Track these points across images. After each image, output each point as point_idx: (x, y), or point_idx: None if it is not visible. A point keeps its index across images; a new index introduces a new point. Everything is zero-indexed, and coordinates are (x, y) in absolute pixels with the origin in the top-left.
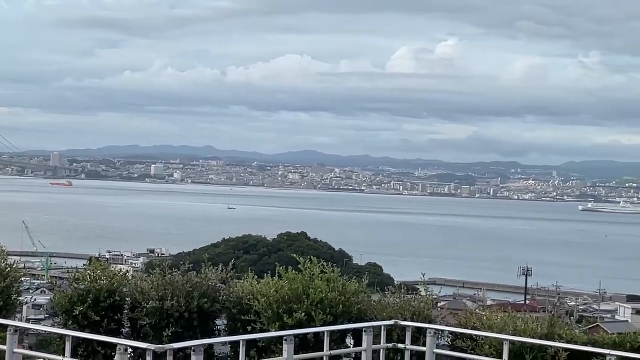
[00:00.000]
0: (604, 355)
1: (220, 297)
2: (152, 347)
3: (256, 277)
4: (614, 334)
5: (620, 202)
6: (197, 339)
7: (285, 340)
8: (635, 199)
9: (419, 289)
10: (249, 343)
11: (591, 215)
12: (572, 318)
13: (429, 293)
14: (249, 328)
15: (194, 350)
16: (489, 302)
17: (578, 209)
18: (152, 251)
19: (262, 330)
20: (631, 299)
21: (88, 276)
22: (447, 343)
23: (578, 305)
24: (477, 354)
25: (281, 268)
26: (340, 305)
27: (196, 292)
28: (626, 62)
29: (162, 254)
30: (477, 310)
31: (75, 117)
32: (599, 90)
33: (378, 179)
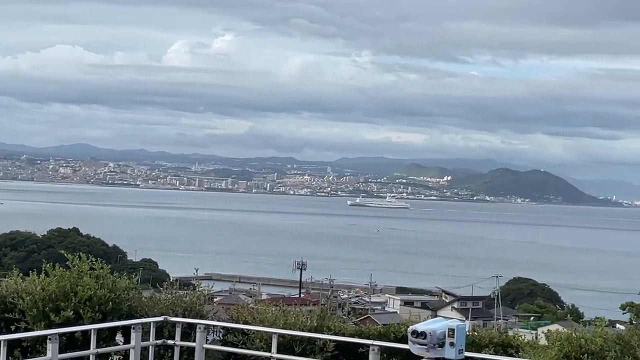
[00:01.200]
0: (368, 345)
1: None
2: None
3: (21, 274)
4: (381, 324)
5: (386, 197)
6: None
7: (49, 339)
8: (405, 194)
9: (193, 284)
10: (11, 343)
11: (360, 209)
12: (343, 310)
13: (202, 288)
14: (13, 327)
15: None
16: (264, 297)
17: (347, 204)
18: None
19: (26, 330)
20: (400, 290)
21: None
22: (218, 338)
23: (350, 298)
24: (248, 348)
25: (48, 265)
26: (110, 302)
27: None
28: (395, 61)
29: None
30: (250, 305)
31: None
32: (370, 89)
33: (154, 173)
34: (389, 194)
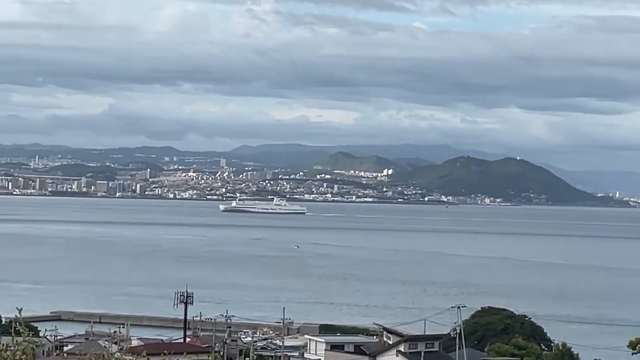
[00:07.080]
0: None
1: None
2: None
3: None
4: None
5: (274, 200)
6: None
7: None
8: (329, 194)
9: (37, 327)
10: None
11: (236, 217)
12: (247, 359)
13: (27, 339)
14: None
15: None
16: (135, 343)
17: (220, 210)
18: None
19: None
20: (325, 329)
21: None
22: None
23: (255, 341)
24: None
25: None
26: None
27: None
28: (308, 10)
29: None
30: (114, 355)
31: None
32: (275, 49)
33: None
34: (276, 198)
